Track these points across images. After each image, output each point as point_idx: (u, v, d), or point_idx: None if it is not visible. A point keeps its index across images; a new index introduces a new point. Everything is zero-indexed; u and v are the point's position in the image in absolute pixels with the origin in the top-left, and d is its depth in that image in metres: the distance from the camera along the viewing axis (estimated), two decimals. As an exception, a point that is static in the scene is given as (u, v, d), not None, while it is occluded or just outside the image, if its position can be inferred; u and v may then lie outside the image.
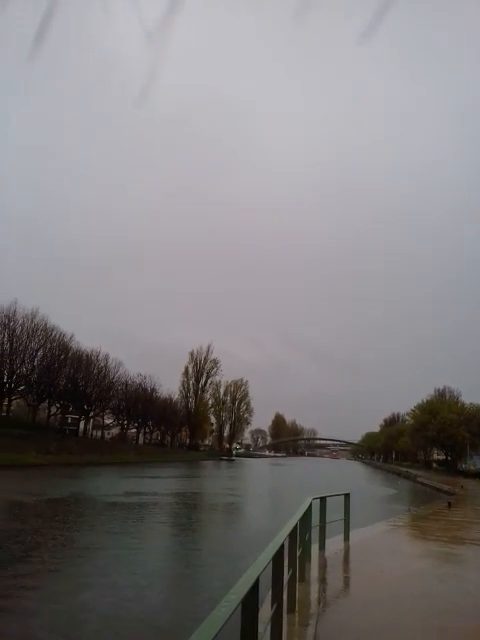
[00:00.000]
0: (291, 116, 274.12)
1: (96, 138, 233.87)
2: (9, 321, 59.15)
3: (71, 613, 9.76)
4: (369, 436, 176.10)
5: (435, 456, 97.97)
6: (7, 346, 58.85)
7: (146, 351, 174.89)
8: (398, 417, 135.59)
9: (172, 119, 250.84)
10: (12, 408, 66.34)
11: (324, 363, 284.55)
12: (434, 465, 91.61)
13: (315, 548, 9.84)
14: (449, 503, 25.25)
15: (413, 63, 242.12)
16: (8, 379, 59.50)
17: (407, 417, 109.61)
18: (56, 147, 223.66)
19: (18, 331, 59.98)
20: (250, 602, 3.11)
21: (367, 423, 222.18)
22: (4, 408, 61.35)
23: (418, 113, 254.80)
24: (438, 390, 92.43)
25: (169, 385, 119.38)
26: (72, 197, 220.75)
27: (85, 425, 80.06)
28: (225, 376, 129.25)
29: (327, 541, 10.48)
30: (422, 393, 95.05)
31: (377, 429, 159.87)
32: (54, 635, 8.82)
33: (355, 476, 74.90)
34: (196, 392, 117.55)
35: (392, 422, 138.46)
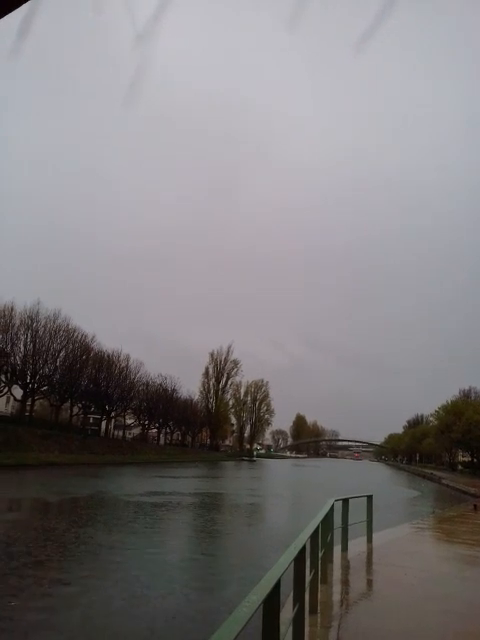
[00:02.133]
0: (308, 118, 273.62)
1: (111, 141, 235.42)
2: (32, 322, 59.91)
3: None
4: (392, 437, 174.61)
5: (460, 458, 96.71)
6: (30, 347, 59.59)
7: (168, 352, 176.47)
8: (422, 418, 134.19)
9: (176, 118, 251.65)
10: (35, 408, 67.19)
11: (346, 364, 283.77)
12: (459, 467, 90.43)
13: (337, 550, 9.76)
14: (475, 506, 24.89)
15: (415, 63, 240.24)
16: (31, 379, 60.24)
17: (431, 418, 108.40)
18: (83, 156, 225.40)
19: (41, 332, 60.70)
20: (272, 603, 3.07)
21: (390, 424, 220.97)
22: (28, 408, 62.13)
23: (420, 114, 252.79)
24: (463, 391, 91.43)
25: (190, 386, 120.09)
26: (96, 200, 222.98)
27: (107, 425, 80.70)
28: (246, 377, 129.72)
29: (350, 543, 10.39)
30: (446, 394, 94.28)
31: (400, 430, 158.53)
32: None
33: (378, 478, 74.26)
34: (216, 393, 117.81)
35: (416, 423, 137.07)
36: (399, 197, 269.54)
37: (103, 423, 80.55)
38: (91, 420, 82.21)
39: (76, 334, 66.10)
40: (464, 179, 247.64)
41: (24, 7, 1.85)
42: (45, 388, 64.09)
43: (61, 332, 63.43)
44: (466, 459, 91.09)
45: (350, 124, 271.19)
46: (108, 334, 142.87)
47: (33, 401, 63.16)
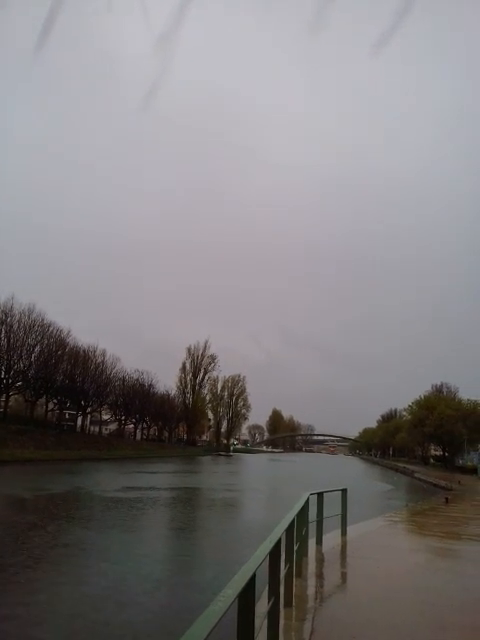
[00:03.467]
0: (294, 116, 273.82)
1: (99, 136, 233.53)
2: (6, 317, 59.04)
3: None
4: (367, 432, 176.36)
5: (432, 452, 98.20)
6: (4, 342, 58.78)
7: (147, 347, 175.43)
8: (396, 413, 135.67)
9: (175, 119, 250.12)
10: (10, 404, 66.26)
11: (322, 359, 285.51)
12: (431, 461, 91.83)
13: (312, 543, 9.86)
14: (446, 499, 25.36)
15: (417, 68, 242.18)
16: (5, 375, 59.43)
17: (405, 413, 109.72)
18: (59, 145, 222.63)
19: (15, 327, 59.90)
20: (247, 597, 3.12)
21: (365, 419, 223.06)
22: (2, 404, 61.27)
23: (418, 114, 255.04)
24: (436, 386, 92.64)
25: (168, 381, 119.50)
26: (74, 194, 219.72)
27: (83, 421, 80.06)
28: (224, 372, 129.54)
29: (324, 536, 10.50)
30: (420, 389, 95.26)
31: (374, 425, 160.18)
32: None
33: (352, 472, 75.08)
34: (193, 388, 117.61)
35: (390, 418, 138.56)
36: (385, 197, 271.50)
37: (79, 419, 79.90)
38: (67, 416, 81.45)
39: (51, 329, 65.43)
40: (454, 184, 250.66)
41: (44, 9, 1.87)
42: (20, 384, 63.25)
43: (36, 327, 62.68)
44: (438, 453, 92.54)
45: (348, 124, 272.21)
46: (86, 329, 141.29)
47: (7, 397, 62.26)
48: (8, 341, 58.85)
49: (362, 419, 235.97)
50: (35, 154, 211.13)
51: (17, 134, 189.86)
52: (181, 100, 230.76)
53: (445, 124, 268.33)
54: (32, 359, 62.47)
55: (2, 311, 58.79)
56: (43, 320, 63.61)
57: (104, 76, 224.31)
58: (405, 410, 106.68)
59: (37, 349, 63.13)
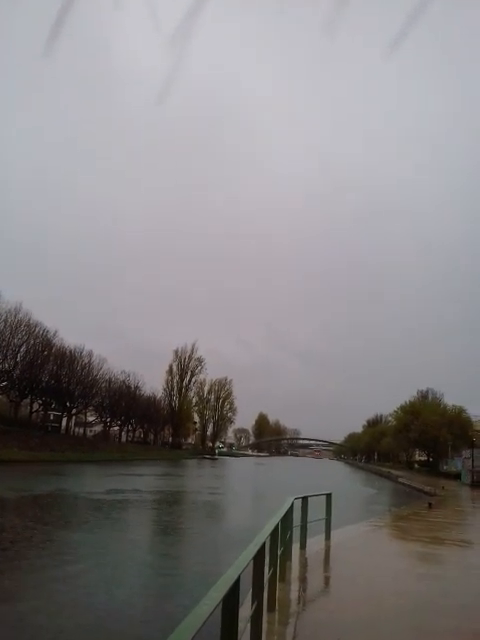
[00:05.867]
0: (288, 118, 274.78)
1: (94, 138, 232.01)
2: (-8, 316, 58.58)
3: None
4: (352, 437, 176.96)
5: (417, 457, 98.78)
6: (-10, 341, 58.29)
7: (134, 349, 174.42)
8: (381, 418, 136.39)
9: (174, 124, 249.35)
10: (-6, 404, 65.79)
11: (309, 364, 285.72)
12: (416, 466, 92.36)
13: (296, 548, 9.89)
14: (430, 504, 25.48)
15: (424, 80, 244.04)
16: (-10, 375, 58.95)
17: (390, 418, 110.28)
18: (58, 142, 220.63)
19: (1, 326, 59.41)
20: (230, 601, 3.13)
21: (350, 424, 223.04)
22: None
23: (419, 120, 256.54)
24: (421, 391, 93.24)
25: (154, 383, 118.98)
26: (63, 197, 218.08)
27: (67, 422, 79.51)
28: (210, 375, 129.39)
29: (308, 541, 10.53)
30: (405, 394, 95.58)
31: (360, 430, 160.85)
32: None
33: (337, 476, 75.26)
34: (180, 390, 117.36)
35: (375, 423, 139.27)
36: (371, 202, 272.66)
37: (64, 420, 79.33)
38: (51, 417, 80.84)
39: (37, 329, 64.99)
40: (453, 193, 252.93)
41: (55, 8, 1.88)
42: (4, 384, 62.73)
43: (22, 327, 62.24)
44: (422, 458, 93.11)
45: (321, 132, 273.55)
46: (73, 330, 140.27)
47: (-9, 397, 61.82)
48: (-6, 341, 58.38)
49: (348, 424, 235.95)
50: (35, 150, 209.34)
51: (15, 133, 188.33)
52: (184, 104, 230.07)
53: (445, 127, 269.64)
54: (17, 359, 62.02)
55: (-12, 311, 58.34)
56: (29, 320, 63.26)
57: (107, 81, 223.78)
58: (391, 415, 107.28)
59: (23, 349, 62.70)
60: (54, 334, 69.12)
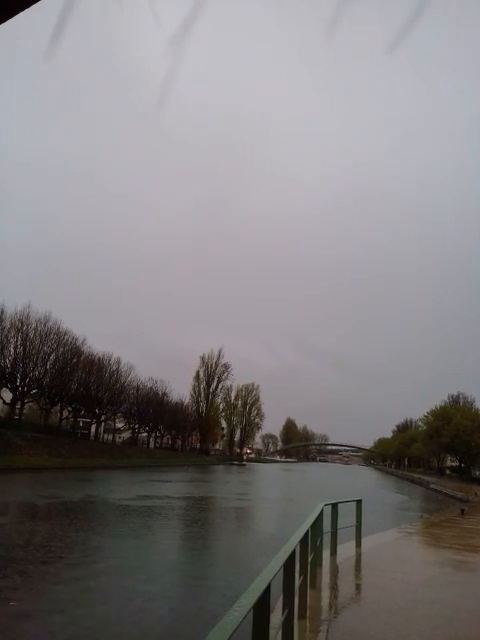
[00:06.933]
0: (308, 128, 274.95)
1: (114, 150, 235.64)
2: (23, 325, 59.57)
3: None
4: (381, 442, 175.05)
5: (448, 463, 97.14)
6: (20, 350, 59.24)
7: (162, 356, 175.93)
8: (411, 423, 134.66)
9: (190, 129, 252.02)
10: (25, 411, 66.75)
11: (337, 369, 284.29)
12: (447, 472, 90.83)
13: (326, 554, 9.82)
14: (462, 510, 25.06)
15: (429, 80, 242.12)
16: (21, 382, 59.89)
17: (420, 423, 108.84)
18: (75, 161, 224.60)
19: (31, 335, 60.39)
20: (261, 607, 3.13)
21: (380, 429, 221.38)
22: (17, 411, 61.74)
23: (430, 128, 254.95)
24: (452, 396, 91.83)
25: (182, 389, 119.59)
26: (89, 207, 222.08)
27: (96, 429, 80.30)
28: (237, 381, 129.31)
29: (339, 547, 10.45)
30: (436, 399, 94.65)
31: (390, 435, 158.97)
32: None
33: (367, 482, 74.45)
34: (207, 396, 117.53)
35: (405, 428, 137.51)
36: (400, 207, 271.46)
37: (93, 427, 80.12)
38: (81, 424, 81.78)
39: (66, 337, 65.86)
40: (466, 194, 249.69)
41: (55, 12, 1.92)
42: (35, 391, 63.66)
43: (51, 335, 63.13)
44: (454, 464, 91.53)
45: (363, 136, 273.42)
46: (101, 337, 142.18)
47: (22, 404, 62.72)
48: (24, 349, 59.34)
49: (377, 429, 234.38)
50: (47, 168, 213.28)
51: (24, 149, 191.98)
52: (183, 111, 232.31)
53: (459, 137, 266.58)
54: (47, 367, 62.91)
55: (18, 319, 59.39)
56: (59, 328, 64.13)
57: (113, 86, 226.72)
58: (421, 420, 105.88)
59: (52, 357, 63.53)
60: (83, 342, 70.04)
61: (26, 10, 1.78)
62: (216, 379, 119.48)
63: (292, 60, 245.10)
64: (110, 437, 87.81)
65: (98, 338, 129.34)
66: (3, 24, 1.80)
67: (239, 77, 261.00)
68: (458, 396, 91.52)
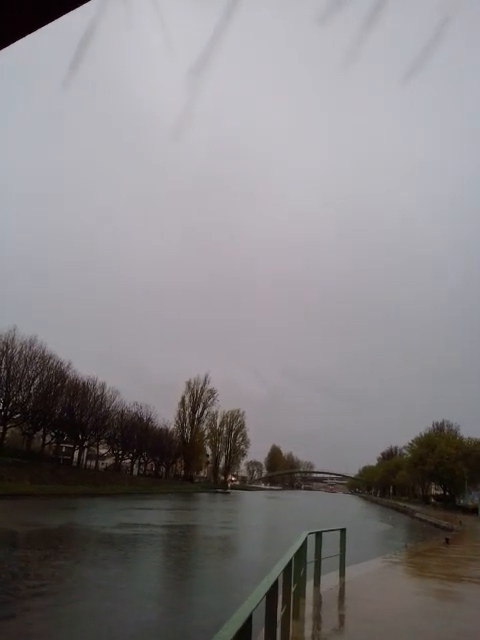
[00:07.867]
0: (301, 163, 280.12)
1: (102, 173, 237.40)
2: (7, 348, 59.09)
3: None
4: (366, 470, 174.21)
5: (433, 491, 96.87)
6: (4, 373, 58.63)
7: (147, 381, 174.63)
8: (396, 451, 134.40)
9: (183, 159, 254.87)
10: (7, 436, 65.74)
11: (322, 396, 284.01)
12: (432, 500, 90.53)
13: (310, 584, 9.76)
14: (447, 539, 24.97)
15: (436, 111, 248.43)
16: (4, 406, 59.13)
17: (405, 451, 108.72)
18: (66, 176, 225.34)
19: (16, 359, 59.87)
20: (243, 638, 3.13)
21: (365, 457, 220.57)
22: (-1, 436, 60.81)
23: (423, 160, 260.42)
24: (437, 424, 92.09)
25: (167, 415, 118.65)
26: (76, 230, 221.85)
27: (79, 455, 79.22)
28: (223, 406, 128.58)
29: (322, 577, 10.38)
30: (420, 427, 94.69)
31: (374, 463, 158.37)
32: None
33: (352, 511, 73.91)
34: (192, 422, 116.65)
35: (390, 455, 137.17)
36: (388, 237, 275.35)
37: (76, 453, 79.07)
38: (63, 449, 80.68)
39: (51, 361, 65.39)
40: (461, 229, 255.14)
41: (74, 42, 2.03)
42: (18, 416, 62.84)
43: (36, 359, 62.68)
44: (439, 492, 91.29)
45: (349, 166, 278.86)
46: (87, 361, 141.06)
47: (5, 429, 61.79)
48: (8, 373, 58.73)
49: (362, 456, 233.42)
50: (37, 191, 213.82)
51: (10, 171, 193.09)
52: (198, 138, 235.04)
53: (463, 167, 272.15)
54: (31, 391, 62.24)
55: (3, 342, 58.90)
56: (44, 352, 63.72)
57: (123, 116, 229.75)
58: (405, 448, 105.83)
59: (37, 381, 62.97)
60: (68, 366, 69.53)
61: (44, 41, 1.90)
62: (202, 405, 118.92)
63: (297, 92, 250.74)
64: (93, 463, 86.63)
65: (84, 362, 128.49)
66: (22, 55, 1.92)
67: (246, 107, 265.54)
68: (442, 424, 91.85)
